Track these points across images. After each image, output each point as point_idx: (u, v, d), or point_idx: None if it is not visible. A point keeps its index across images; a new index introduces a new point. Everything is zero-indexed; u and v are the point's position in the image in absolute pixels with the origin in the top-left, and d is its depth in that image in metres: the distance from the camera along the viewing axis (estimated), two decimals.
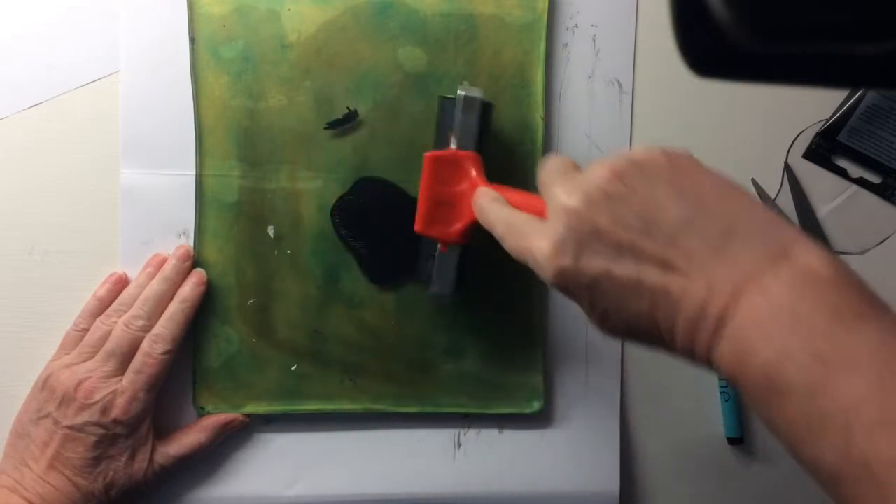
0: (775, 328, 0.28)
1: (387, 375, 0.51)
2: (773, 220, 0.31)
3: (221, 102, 0.50)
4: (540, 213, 0.37)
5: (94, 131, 0.50)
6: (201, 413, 0.50)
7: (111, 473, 0.46)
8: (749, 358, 0.28)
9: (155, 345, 0.47)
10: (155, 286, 0.48)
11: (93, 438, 0.45)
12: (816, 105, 0.53)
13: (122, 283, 0.50)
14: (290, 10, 0.50)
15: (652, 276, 0.31)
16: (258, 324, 0.51)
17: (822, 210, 0.54)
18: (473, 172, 0.45)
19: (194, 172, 0.50)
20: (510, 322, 0.52)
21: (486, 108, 0.47)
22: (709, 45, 0.22)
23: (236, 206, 0.50)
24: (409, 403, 0.52)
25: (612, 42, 0.52)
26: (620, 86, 0.53)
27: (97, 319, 0.48)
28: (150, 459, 0.47)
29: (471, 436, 0.53)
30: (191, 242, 0.50)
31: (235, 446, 0.51)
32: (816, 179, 0.54)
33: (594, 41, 0.52)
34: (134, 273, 0.50)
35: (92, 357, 0.47)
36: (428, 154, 0.46)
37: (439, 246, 0.47)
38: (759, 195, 0.53)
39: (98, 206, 0.50)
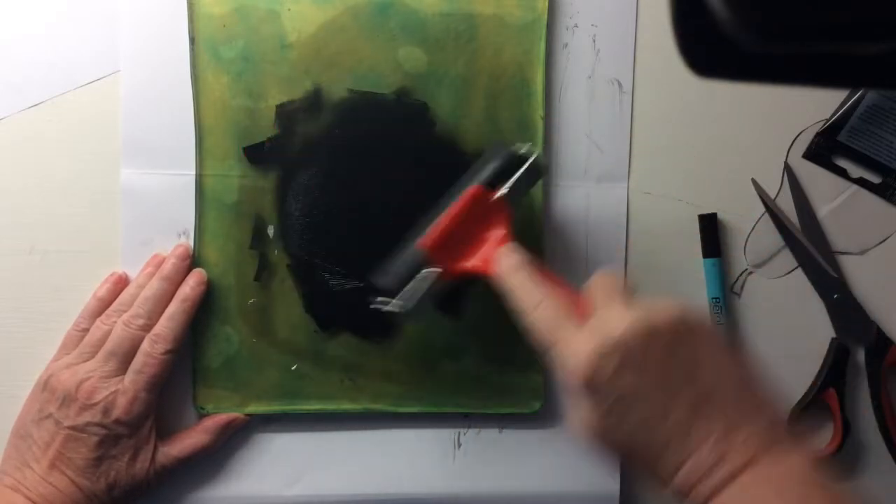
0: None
1: (386, 375, 0.51)
2: (775, 419, 0.36)
3: (221, 102, 0.50)
4: (557, 296, 0.39)
5: (94, 131, 0.50)
6: (201, 413, 0.50)
7: (113, 473, 0.46)
8: None
9: (156, 344, 0.47)
10: (154, 285, 0.48)
11: (95, 439, 0.45)
12: (816, 105, 0.53)
13: (122, 282, 0.50)
14: (290, 10, 0.50)
15: (681, 414, 0.35)
16: (258, 324, 0.51)
17: (822, 210, 0.54)
18: (504, 230, 0.45)
19: (194, 172, 0.50)
20: (510, 322, 0.52)
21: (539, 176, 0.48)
22: (709, 45, 0.22)
23: (236, 206, 0.50)
24: (409, 403, 0.52)
25: (612, 42, 0.52)
26: (620, 86, 0.53)
27: (97, 319, 0.48)
28: (152, 459, 0.47)
29: (471, 436, 0.53)
30: (191, 242, 0.50)
31: (235, 446, 0.51)
32: (816, 179, 0.54)
33: (594, 41, 0.52)
34: (134, 273, 0.50)
35: (92, 357, 0.47)
36: (479, 187, 0.45)
37: (427, 270, 0.45)
38: (760, 195, 0.53)
39: (98, 206, 0.50)
